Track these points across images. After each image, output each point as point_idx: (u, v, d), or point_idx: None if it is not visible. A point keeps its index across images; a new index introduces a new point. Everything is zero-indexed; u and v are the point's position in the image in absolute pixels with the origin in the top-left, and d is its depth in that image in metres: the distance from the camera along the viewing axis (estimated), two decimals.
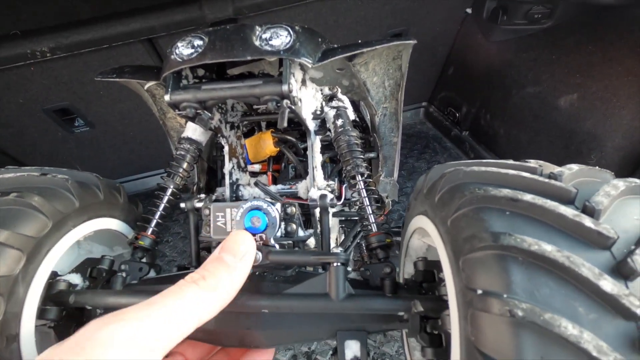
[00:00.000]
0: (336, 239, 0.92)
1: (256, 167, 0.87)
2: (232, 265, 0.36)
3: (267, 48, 0.52)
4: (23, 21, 1.39)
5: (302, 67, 0.62)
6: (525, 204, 0.38)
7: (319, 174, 0.73)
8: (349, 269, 0.71)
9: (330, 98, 0.71)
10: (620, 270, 0.33)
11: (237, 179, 0.75)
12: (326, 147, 0.81)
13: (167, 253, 1.83)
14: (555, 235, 0.36)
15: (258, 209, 0.48)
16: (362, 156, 0.63)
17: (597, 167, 0.48)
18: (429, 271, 0.51)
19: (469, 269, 0.36)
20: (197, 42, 0.54)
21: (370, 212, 0.58)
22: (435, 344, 0.47)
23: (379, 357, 1.35)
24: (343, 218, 0.87)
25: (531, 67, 1.86)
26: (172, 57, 0.54)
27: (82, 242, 0.60)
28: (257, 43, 0.52)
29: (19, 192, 0.47)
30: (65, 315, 0.49)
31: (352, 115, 0.71)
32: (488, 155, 2.09)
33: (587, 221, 0.35)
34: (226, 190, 0.72)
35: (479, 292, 0.34)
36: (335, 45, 0.62)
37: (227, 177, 0.72)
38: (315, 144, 0.72)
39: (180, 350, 0.46)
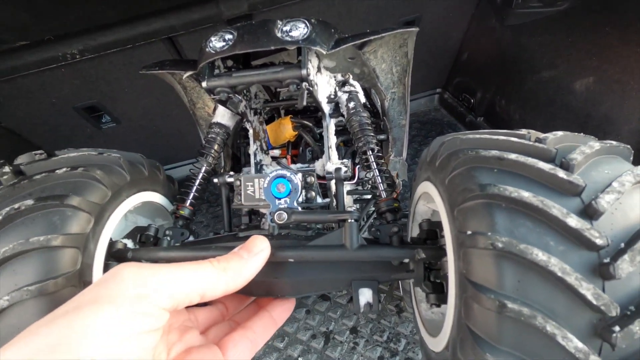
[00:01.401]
0: None
1: (276, 152, 0.96)
2: (245, 258, 0.43)
3: (288, 38, 0.61)
4: (55, 28, 1.52)
5: (318, 56, 0.71)
6: (510, 161, 0.45)
7: (334, 153, 0.82)
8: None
9: (343, 83, 0.80)
10: (587, 212, 0.41)
11: (260, 160, 0.85)
12: (340, 132, 0.90)
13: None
14: (534, 185, 0.43)
15: (282, 176, 0.57)
16: (372, 134, 0.71)
17: (582, 134, 0.54)
18: (432, 230, 0.60)
19: (462, 216, 0.44)
20: (228, 36, 0.63)
21: (380, 181, 0.66)
22: (438, 291, 0.55)
23: (394, 337, 1.42)
24: (357, 197, 0.96)
25: (547, 51, 1.88)
26: (207, 49, 0.64)
27: (129, 214, 0.70)
28: (279, 35, 0.62)
29: (84, 167, 0.58)
30: None
31: (363, 99, 0.79)
32: None
33: (561, 173, 0.43)
34: (252, 169, 0.82)
35: (469, 232, 0.42)
36: (347, 35, 0.70)
37: (252, 157, 0.82)
38: (330, 125, 0.81)
39: (221, 299, 0.55)
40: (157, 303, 0.34)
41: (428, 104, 2.53)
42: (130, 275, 0.34)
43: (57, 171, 0.56)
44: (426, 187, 0.60)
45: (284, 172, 0.58)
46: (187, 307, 0.46)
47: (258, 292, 0.56)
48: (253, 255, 0.43)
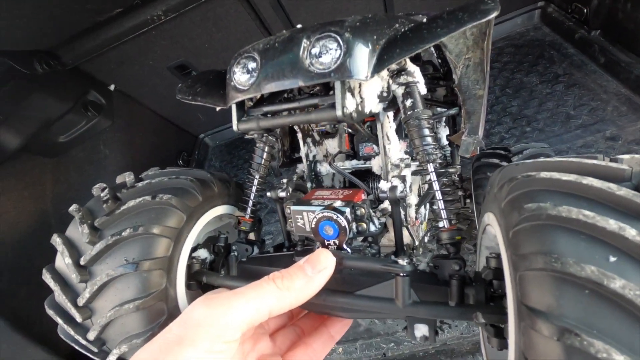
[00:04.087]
0: (419, 189, 0.90)
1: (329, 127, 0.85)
2: (309, 275, 0.42)
3: (318, 68, 0.50)
4: None
5: None
6: (592, 227, 0.32)
7: (392, 147, 0.70)
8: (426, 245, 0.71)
9: (398, 72, 0.63)
10: None
11: (314, 157, 0.77)
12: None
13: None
14: (624, 263, 0.31)
15: (328, 219, 0.51)
16: (433, 143, 0.57)
17: None
18: (501, 269, 0.49)
19: (524, 286, 0.35)
20: (251, 65, 0.55)
21: (443, 207, 0.54)
22: (500, 336, 0.47)
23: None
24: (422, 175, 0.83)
25: None
26: (232, 83, 0.56)
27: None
28: (306, 63, 0.50)
29: (161, 194, 0.60)
30: (203, 286, 0.64)
31: (423, 90, 0.63)
32: (624, 58, 1.61)
33: None
34: (305, 170, 0.76)
35: (532, 309, 0.33)
36: (399, 28, 0.53)
37: (304, 159, 0.75)
38: (385, 123, 0.67)
39: None
40: (229, 338, 0.38)
41: (526, 23, 1.99)
42: (203, 318, 0.38)
43: (141, 200, 0.59)
44: (491, 220, 0.48)
45: (330, 214, 0.51)
46: None
47: (316, 310, 0.56)
48: (317, 272, 0.43)
